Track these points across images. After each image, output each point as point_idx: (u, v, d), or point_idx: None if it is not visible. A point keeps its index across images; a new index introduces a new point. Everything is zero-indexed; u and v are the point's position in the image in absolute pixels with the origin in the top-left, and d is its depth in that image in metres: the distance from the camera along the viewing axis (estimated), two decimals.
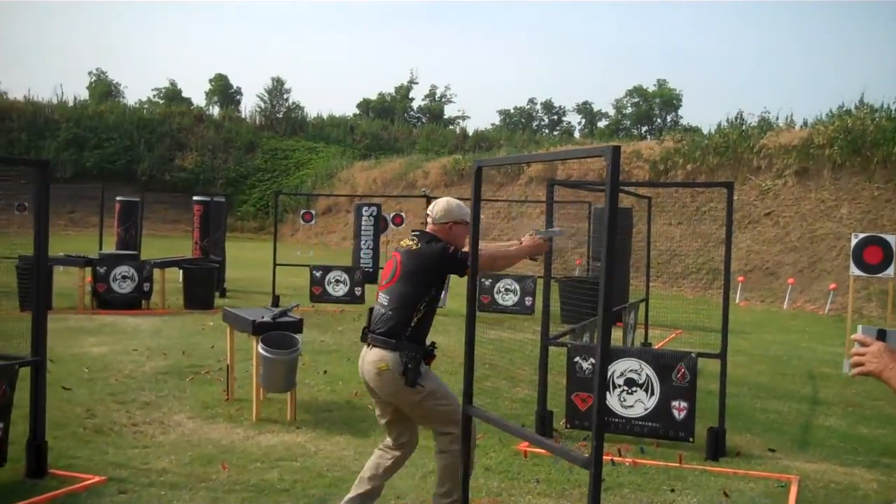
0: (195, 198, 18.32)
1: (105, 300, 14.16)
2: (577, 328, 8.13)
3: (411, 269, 4.72)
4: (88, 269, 14.32)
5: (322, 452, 6.36)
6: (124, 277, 14.22)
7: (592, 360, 6.88)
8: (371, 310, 4.84)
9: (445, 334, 12.65)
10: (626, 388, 6.75)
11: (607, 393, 6.81)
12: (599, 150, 3.73)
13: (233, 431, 6.90)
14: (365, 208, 22.68)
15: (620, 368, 6.77)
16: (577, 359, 6.94)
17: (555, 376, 7.49)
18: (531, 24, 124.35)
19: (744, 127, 26.73)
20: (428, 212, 4.93)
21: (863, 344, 2.75)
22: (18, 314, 13.21)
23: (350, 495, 4.85)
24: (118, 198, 25.24)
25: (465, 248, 4.75)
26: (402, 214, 25.80)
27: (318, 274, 15.40)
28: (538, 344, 7.40)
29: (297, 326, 7.44)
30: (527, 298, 14.95)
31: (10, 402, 5.43)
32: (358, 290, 15.30)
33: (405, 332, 4.64)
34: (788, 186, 22.74)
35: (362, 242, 22.11)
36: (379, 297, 4.80)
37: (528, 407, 7.82)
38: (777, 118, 26.54)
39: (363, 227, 22.25)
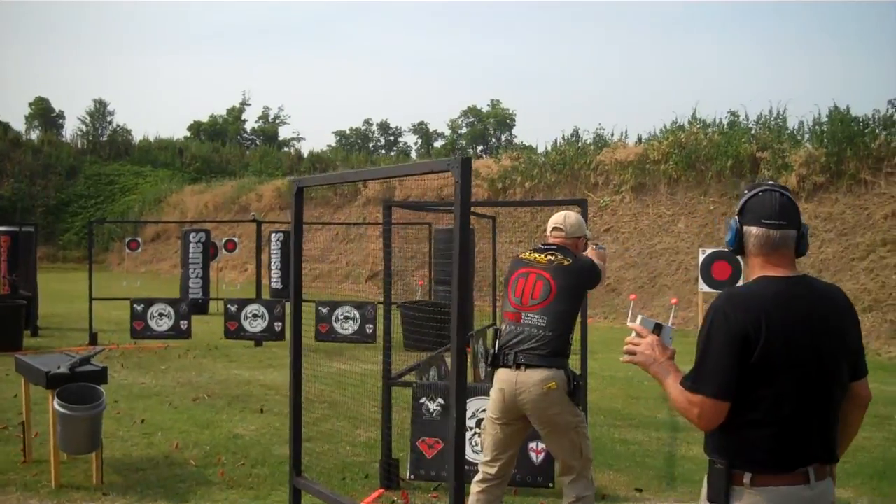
0: (0, 228, 16.72)
1: None
2: (422, 363, 7.46)
3: (568, 284, 4.68)
4: None
5: None
6: None
7: (441, 399, 6.22)
8: (498, 331, 4.73)
9: (280, 368, 11.79)
10: (477, 430, 6.11)
11: None
12: (446, 162, 3.07)
13: (26, 503, 5.88)
14: (192, 235, 21.45)
15: (472, 408, 6.14)
16: (423, 399, 6.26)
17: (401, 412, 6.81)
18: (366, 45, 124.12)
19: (580, 144, 26.89)
20: (557, 224, 4.93)
21: (639, 335, 2.81)
22: None
23: None
24: None
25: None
26: (235, 239, 24.62)
27: (139, 307, 14.18)
28: (381, 377, 6.72)
29: (101, 376, 6.45)
30: (367, 326, 14.21)
31: None
32: (184, 324, 14.16)
33: (567, 350, 4.66)
34: (626, 202, 22.89)
35: (191, 271, 20.85)
36: (526, 318, 4.65)
37: (372, 453, 7.10)
38: (612, 134, 26.75)
39: (191, 255, 21.02)
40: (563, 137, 28.28)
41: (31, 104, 65.29)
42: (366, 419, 8.34)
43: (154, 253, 39.74)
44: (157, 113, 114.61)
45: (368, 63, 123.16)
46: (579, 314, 4.84)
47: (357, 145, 77.72)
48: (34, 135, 56.20)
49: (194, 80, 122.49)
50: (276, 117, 74.13)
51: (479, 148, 72.76)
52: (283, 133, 72.99)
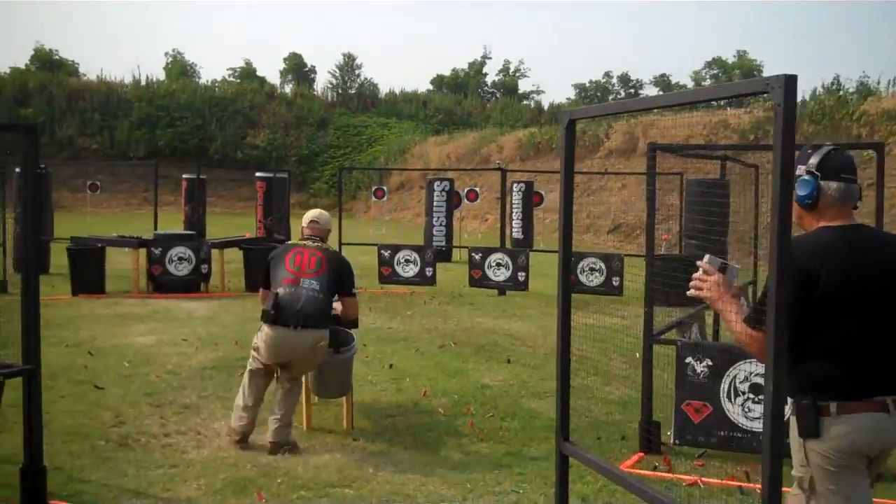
0: (257, 174, 17.46)
1: (161, 283, 13.28)
2: (683, 321, 6.88)
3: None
4: (143, 251, 13.45)
5: (381, 476, 5.25)
6: (181, 259, 13.33)
7: (709, 360, 5.64)
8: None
9: (525, 319, 11.49)
10: (751, 395, 5.51)
11: (728, 402, 5.59)
12: (763, 81, 2.50)
13: None
14: (437, 183, 21.55)
15: (744, 371, 5.53)
16: (688, 359, 5.71)
17: (657, 371, 6.31)
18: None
19: (841, 93, 24.86)
20: (314, 218, 6.29)
21: (706, 272, 2.98)
22: (68, 300, 12.44)
23: None
24: (184, 176, 24.62)
25: None
26: (477, 189, 24.57)
27: (386, 254, 14.31)
28: (629, 333, 6.22)
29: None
30: (614, 279, 13.67)
31: None
32: (429, 271, 14.16)
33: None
34: (893, 154, 20.93)
35: (434, 219, 20.98)
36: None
37: (628, 412, 6.64)
38: (878, 82, 24.57)
39: (436, 203, 21.13)
40: (823, 86, 26.24)
41: (285, 60, 68.24)
42: (616, 376, 7.85)
43: (398, 202, 40.68)
44: (402, 67, 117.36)
45: (611, 14, 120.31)
46: None
47: (597, 98, 76.37)
48: (288, 88, 58.77)
49: (437, 35, 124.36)
50: (517, 70, 73.85)
51: (723, 101, 69.59)
52: (523, 86, 72.48)
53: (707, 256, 3.03)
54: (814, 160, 3.00)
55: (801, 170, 3.00)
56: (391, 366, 8.31)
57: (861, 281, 2.87)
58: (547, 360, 8.76)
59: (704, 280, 2.99)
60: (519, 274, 13.86)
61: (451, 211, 21.25)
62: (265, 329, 5.73)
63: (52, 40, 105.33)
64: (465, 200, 22.61)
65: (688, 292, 3.05)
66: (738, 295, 2.96)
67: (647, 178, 6.14)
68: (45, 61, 55.27)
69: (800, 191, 2.98)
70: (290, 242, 6.70)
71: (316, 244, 6.13)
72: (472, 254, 14.16)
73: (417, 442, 5.95)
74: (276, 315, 5.66)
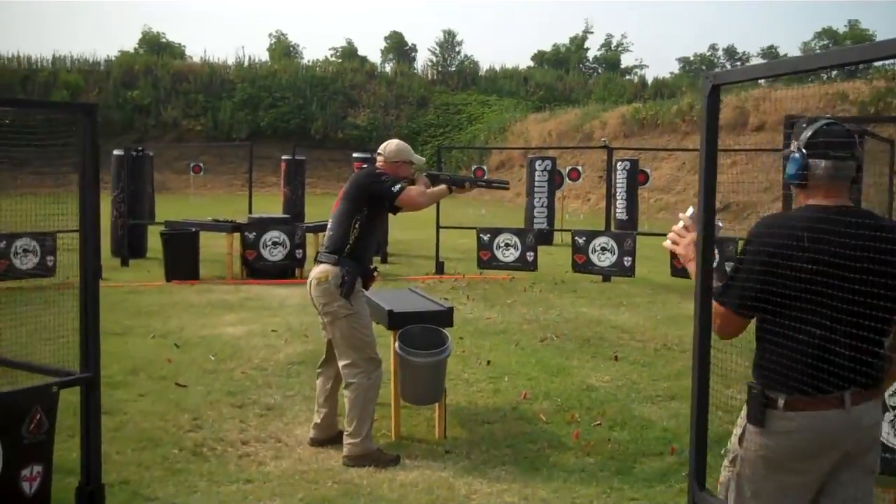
0: (354, 155, 16.99)
1: (255, 269, 12.99)
2: None
3: (347, 189, 5.30)
4: (238, 235, 13.17)
5: (476, 497, 4.68)
6: (275, 243, 13.00)
7: None
8: None
9: (632, 309, 10.78)
10: None
11: None
12: None
13: None
14: (538, 162, 20.84)
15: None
16: None
17: None
18: None
19: None
20: (380, 151, 5.45)
21: (686, 228, 2.93)
22: (161, 286, 12.24)
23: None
24: (283, 157, 24.46)
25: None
26: (579, 168, 23.75)
27: (485, 237, 13.72)
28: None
29: (446, 317, 5.75)
30: (726, 264, 12.79)
31: (50, 436, 3.91)
32: (530, 255, 13.51)
33: (343, 247, 5.12)
34: None
35: (535, 199, 20.29)
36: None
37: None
38: None
39: (536, 183, 20.44)
40: None
41: (385, 38, 68.28)
42: (739, 376, 7.09)
43: None
44: (503, 44, 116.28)
45: None
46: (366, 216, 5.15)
47: (702, 72, 74.10)
48: (388, 67, 58.67)
49: (538, 9, 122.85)
50: (619, 45, 72.29)
51: (834, 73, 66.66)
52: (626, 61, 70.98)
53: (690, 209, 2.90)
54: (804, 135, 2.80)
55: (793, 145, 2.84)
56: (489, 362, 7.73)
57: (835, 266, 2.60)
58: (658, 357, 8.07)
59: (682, 235, 2.92)
60: (625, 259, 13.10)
61: (552, 191, 20.55)
62: None
63: (161, 24, 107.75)
64: (567, 180, 21.86)
65: (663, 243, 2.99)
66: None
67: (785, 151, 5.37)
68: (153, 44, 56.39)
69: (789, 169, 2.83)
70: None
71: None
72: (576, 237, 13.46)
73: (517, 455, 5.36)
74: None
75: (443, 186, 5.56)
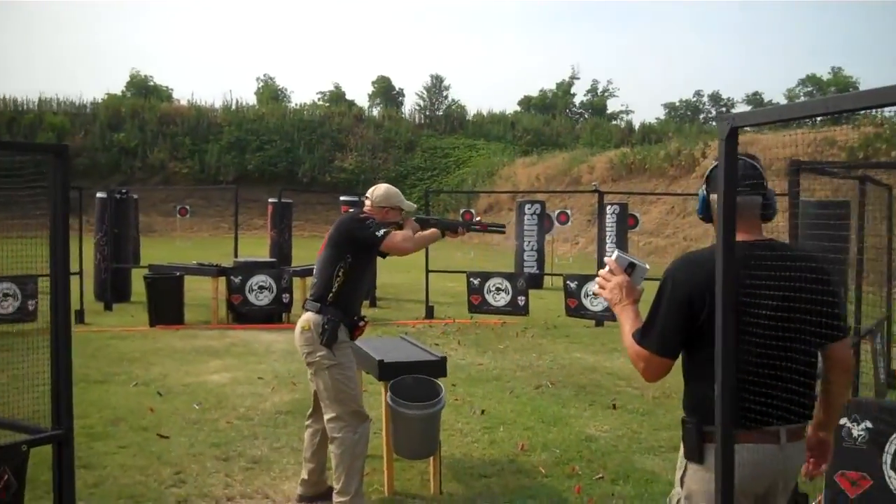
0: (342, 198, 16.85)
1: (241, 313, 12.72)
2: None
3: (331, 235, 5.00)
4: (223, 279, 12.91)
5: None
6: (261, 288, 12.74)
7: (868, 423, 4.67)
8: None
9: (626, 354, 10.53)
10: None
11: (894, 474, 4.61)
12: None
13: None
14: (528, 206, 20.67)
15: None
16: (844, 420, 4.75)
17: None
18: (696, 16, 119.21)
19: None
20: (367, 195, 5.17)
21: (612, 271, 2.88)
22: (145, 331, 11.95)
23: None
24: (269, 200, 24.26)
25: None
26: (568, 212, 23.62)
27: (475, 281, 13.51)
28: None
29: (439, 368, 5.51)
30: None
31: (18, 499, 3.62)
32: (521, 300, 13.29)
33: (326, 294, 4.86)
34: None
35: (525, 243, 20.10)
36: None
37: None
38: None
39: (526, 227, 20.25)
40: None
41: (373, 83, 68.58)
42: None
43: None
44: (489, 88, 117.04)
45: (700, 33, 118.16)
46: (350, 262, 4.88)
47: (687, 118, 74.75)
48: (376, 111, 58.79)
49: (524, 55, 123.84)
50: (605, 90, 72.79)
51: (817, 120, 67.14)
52: (612, 106, 71.36)
53: (615, 252, 2.91)
54: (706, 172, 2.89)
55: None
56: (483, 411, 7.48)
57: (755, 304, 2.61)
58: (657, 405, 7.82)
59: (608, 279, 2.89)
60: None
61: (542, 235, 20.37)
62: None
63: (149, 67, 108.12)
64: (556, 223, 21.72)
65: (592, 289, 2.79)
66: (638, 300, 2.86)
67: (790, 200, 5.20)
68: (141, 87, 56.36)
69: (698, 206, 2.90)
70: None
71: None
72: (568, 282, 13.24)
73: None
74: None
75: (434, 230, 5.26)
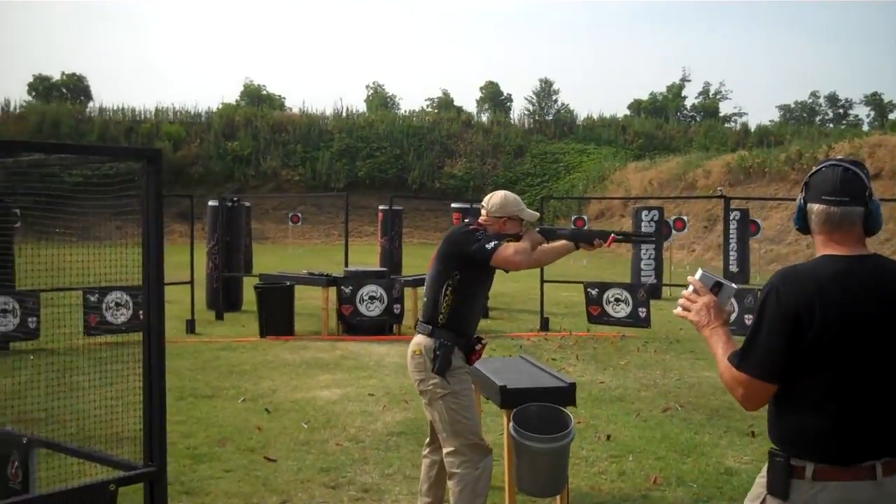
0: (453, 205, 16.51)
1: (351, 324, 12.43)
2: None
3: (439, 251, 4.56)
4: (333, 289, 12.64)
5: None
6: (372, 298, 12.43)
7: None
8: None
9: None
10: None
11: None
12: None
13: None
14: (645, 213, 19.90)
15: None
16: None
17: None
18: (810, 18, 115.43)
19: None
20: (483, 203, 4.69)
21: (697, 291, 2.68)
22: (255, 342, 11.76)
23: None
24: (379, 207, 24.07)
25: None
26: (684, 218, 22.73)
27: (593, 292, 12.90)
28: None
29: (568, 395, 4.99)
30: None
31: None
32: (642, 311, 12.61)
33: (436, 316, 4.46)
34: None
35: (642, 251, 19.37)
36: None
37: None
38: None
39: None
40: None
41: (481, 88, 68.39)
42: None
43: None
44: (599, 92, 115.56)
45: (815, 35, 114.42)
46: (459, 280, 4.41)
47: (803, 119, 72.22)
48: (484, 117, 58.46)
49: (634, 58, 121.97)
50: (717, 92, 70.99)
51: None
52: (724, 108, 69.50)
53: (700, 272, 2.74)
54: (805, 179, 2.65)
55: None
56: (609, 437, 6.92)
57: (862, 324, 2.42)
58: None
59: (693, 300, 2.68)
60: (745, 316, 12.10)
61: (661, 242, 19.60)
62: None
63: (261, 76, 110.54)
64: (673, 230, 20.90)
65: (674, 311, 2.75)
66: (728, 321, 2.66)
67: None
68: (254, 96, 57.41)
69: (795, 215, 2.69)
70: None
71: None
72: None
73: None
74: None
75: (565, 242, 4.63)
